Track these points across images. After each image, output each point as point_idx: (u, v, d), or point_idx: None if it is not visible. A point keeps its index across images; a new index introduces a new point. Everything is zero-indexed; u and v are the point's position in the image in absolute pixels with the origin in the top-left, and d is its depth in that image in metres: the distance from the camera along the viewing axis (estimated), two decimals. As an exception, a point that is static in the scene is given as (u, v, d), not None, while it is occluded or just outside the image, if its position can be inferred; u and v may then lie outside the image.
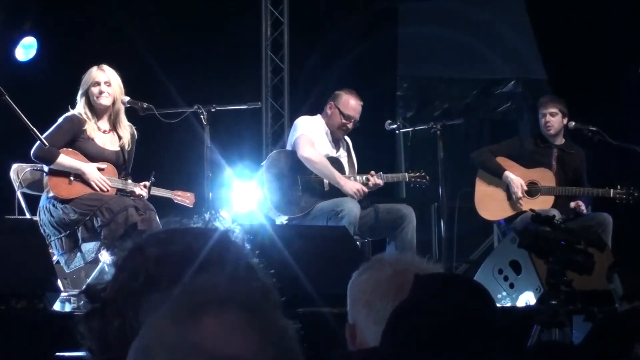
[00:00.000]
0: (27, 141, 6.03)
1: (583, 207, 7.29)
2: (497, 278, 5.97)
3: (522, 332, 4.01)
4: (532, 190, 7.33)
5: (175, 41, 8.73)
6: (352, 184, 6.93)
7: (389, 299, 1.93)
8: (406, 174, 7.28)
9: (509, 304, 5.88)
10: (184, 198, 6.42)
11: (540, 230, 4.23)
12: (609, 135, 7.30)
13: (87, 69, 6.30)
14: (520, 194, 7.27)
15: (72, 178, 6.08)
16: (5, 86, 5.83)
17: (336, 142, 7.16)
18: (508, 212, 7.34)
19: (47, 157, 6.02)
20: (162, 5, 8.86)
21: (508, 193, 7.36)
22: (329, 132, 7.09)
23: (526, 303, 5.82)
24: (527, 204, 7.23)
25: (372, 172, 7.02)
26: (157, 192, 6.31)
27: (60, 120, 6.15)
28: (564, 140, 7.46)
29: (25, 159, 6.46)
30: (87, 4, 8.39)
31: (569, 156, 7.44)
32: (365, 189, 6.94)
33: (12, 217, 6.35)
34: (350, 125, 7.05)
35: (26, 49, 7.77)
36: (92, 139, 6.17)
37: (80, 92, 6.20)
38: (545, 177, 7.34)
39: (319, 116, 7.16)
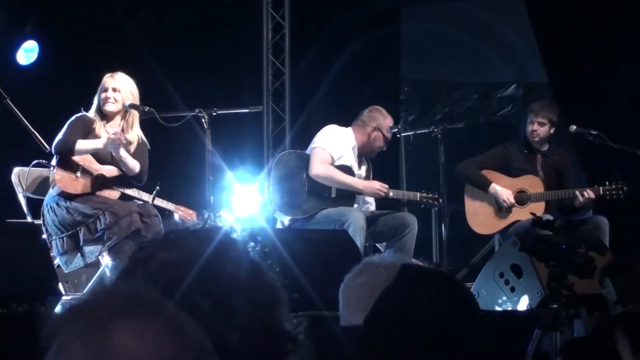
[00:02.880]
0: (28, 145, 6.04)
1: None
2: (498, 282, 5.96)
3: (523, 335, 4.01)
4: (523, 198, 7.31)
5: (176, 45, 8.74)
6: (371, 187, 6.97)
7: None
8: (418, 193, 7.21)
9: (510, 308, 5.87)
10: (186, 214, 6.43)
11: (541, 234, 4.24)
12: (610, 138, 7.29)
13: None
14: (512, 201, 7.25)
15: (78, 175, 6.11)
16: (6, 90, 5.85)
17: (360, 159, 7.19)
18: (501, 224, 7.33)
19: (68, 146, 6.08)
20: (163, 9, 8.87)
21: (498, 205, 7.35)
22: (356, 147, 7.12)
23: (527, 307, 5.81)
24: (519, 213, 7.23)
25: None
26: (161, 203, 6.31)
27: (71, 119, 6.23)
28: (547, 146, 7.45)
29: (26, 162, 6.47)
30: (88, 8, 8.39)
31: (553, 161, 7.44)
32: (386, 186, 6.98)
33: (14, 220, 6.35)
34: (385, 147, 7.20)
35: (27, 53, 7.79)
36: (100, 138, 6.21)
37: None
38: (534, 184, 7.33)
39: (350, 129, 7.18)
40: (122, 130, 6.24)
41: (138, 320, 1.13)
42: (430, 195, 7.13)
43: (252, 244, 1.50)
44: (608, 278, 4.21)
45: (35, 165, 6.37)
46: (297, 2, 9.47)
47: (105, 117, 6.26)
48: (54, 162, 6.16)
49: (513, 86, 10.07)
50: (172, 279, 1.40)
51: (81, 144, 6.11)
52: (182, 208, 6.46)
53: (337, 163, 7.03)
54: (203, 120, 6.42)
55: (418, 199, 7.17)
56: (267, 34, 9.49)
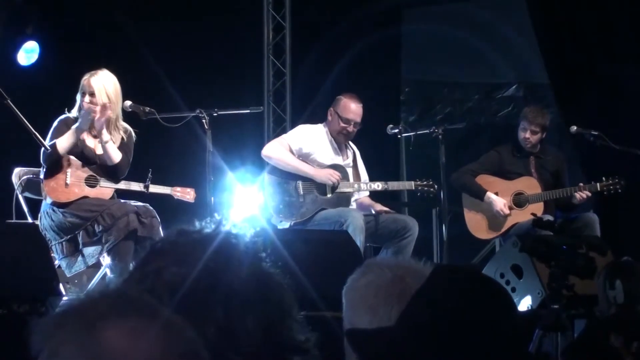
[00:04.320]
0: (29, 145, 6.03)
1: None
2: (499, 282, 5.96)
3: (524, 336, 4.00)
4: (521, 200, 7.32)
5: (177, 45, 8.73)
6: (324, 172, 6.96)
7: (392, 303, 1.92)
8: (412, 182, 7.25)
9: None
10: (184, 194, 6.42)
11: (542, 234, 4.24)
12: (610, 139, 7.29)
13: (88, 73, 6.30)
14: (506, 212, 7.26)
15: (68, 182, 6.08)
16: (7, 90, 5.84)
17: (341, 150, 7.17)
18: (501, 228, 7.34)
19: (52, 154, 6.03)
20: (164, 9, 8.86)
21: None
22: (333, 140, 7.11)
23: (528, 307, 5.82)
24: (518, 216, 7.23)
25: (381, 210, 7.02)
26: (157, 189, 6.30)
27: (55, 123, 6.19)
28: (539, 147, 7.46)
29: (27, 163, 6.46)
30: (89, 8, 8.39)
31: (546, 162, 7.45)
32: (338, 174, 6.95)
33: (14, 221, 6.35)
34: (350, 129, 7.06)
35: (28, 54, 7.78)
36: (84, 141, 6.17)
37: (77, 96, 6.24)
38: (530, 185, 7.34)
39: (320, 125, 7.17)
40: (106, 127, 6.20)
41: (128, 319, 1.14)
42: (425, 182, 7.15)
43: (262, 254, 1.49)
44: (619, 280, 4.20)
45: (26, 187, 6.32)
46: (298, 3, 9.47)
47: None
48: (41, 175, 6.14)
49: (514, 87, 10.06)
50: (179, 299, 1.40)
51: (61, 142, 6.07)
52: (179, 189, 6.45)
53: (326, 163, 7.02)
54: (204, 120, 6.42)
55: (413, 188, 7.20)
56: (268, 35, 9.48)
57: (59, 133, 6.12)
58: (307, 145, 7.03)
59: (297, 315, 1.47)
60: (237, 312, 1.41)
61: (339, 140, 7.12)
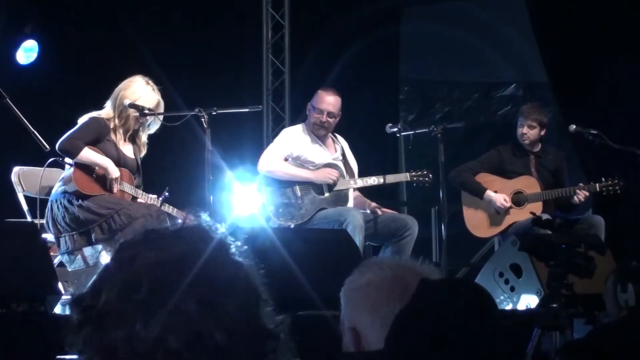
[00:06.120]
0: (28, 144, 6.03)
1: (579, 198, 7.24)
2: (498, 281, 5.96)
3: (523, 335, 4.01)
4: (520, 199, 7.32)
5: (176, 44, 8.74)
6: (322, 173, 6.96)
7: (395, 303, 1.91)
8: (407, 174, 7.25)
9: (509, 307, 5.88)
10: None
11: (541, 233, 4.24)
12: (610, 138, 7.29)
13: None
14: (507, 205, 7.26)
15: (95, 175, 6.07)
16: (6, 89, 5.84)
17: (326, 144, 7.15)
18: (500, 227, 7.34)
19: (72, 149, 6.00)
20: (163, 8, 8.86)
21: (495, 209, 7.37)
22: (315, 137, 7.10)
23: (527, 306, 5.82)
24: (517, 215, 7.23)
25: (377, 210, 7.01)
26: (168, 209, 6.29)
27: (86, 119, 6.13)
28: (540, 146, 7.46)
29: (26, 161, 6.46)
30: (88, 7, 8.39)
31: (546, 161, 7.45)
32: (336, 172, 6.96)
33: (13, 220, 6.35)
34: (324, 119, 7.04)
35: (27, 52, 7.79)
36: (115, 144, 6.17)
37: (120, 98, 6.18)
38: (530, 184, 7.35)
39: (299, 125, 7.20)
40: (134, 138, 6.24)
41: None
42: (419, 172, 7.15)
43: (235, 244, 1.50)
44: (631, 284, 4.19)
45: (51, 164, 6.26)
46: (297, 2, 9.47)
47: (126, 126, 6.23)
48: (70, 160, 6.11)
49: (513, 86, 10.06)
50: (159, 279, 1.39)
51: (88, 153, 6.04)
52: (190, 218, 6.42)
53: (316, 161, 7.01)
54: (203, 119, 6.41)
55: (409, 179, 7.20)
56: (267, 34, 9.49)
57: (87, 128, 6.05)
58: (296, 147, 7.03)
59: (268, 302, 1.47)
60: (217, 290, 1.41)
61: (319, 134, 7.11)
